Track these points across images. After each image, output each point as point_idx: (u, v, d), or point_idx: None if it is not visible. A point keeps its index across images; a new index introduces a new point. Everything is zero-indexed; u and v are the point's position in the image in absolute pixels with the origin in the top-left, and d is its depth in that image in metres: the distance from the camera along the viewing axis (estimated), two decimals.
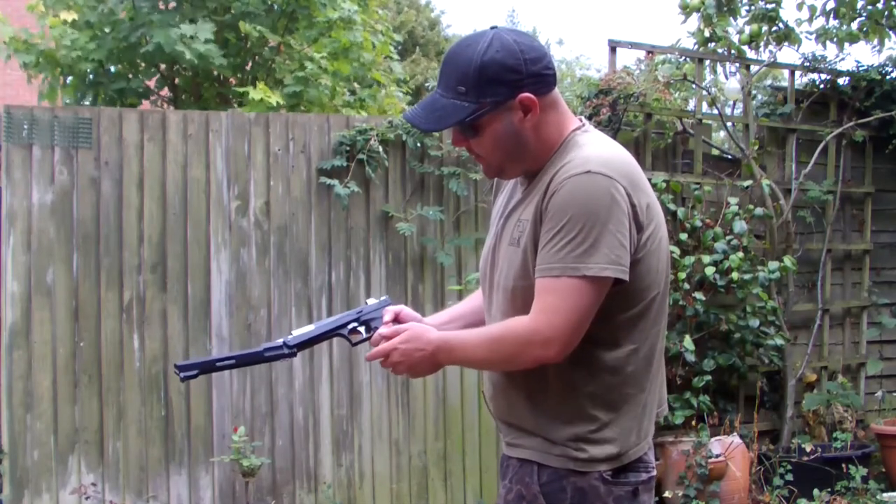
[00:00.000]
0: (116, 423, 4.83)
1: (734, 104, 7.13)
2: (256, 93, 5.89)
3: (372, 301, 2.32)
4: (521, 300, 2.02)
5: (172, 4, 6.52)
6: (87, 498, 4.69)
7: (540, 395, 2.02)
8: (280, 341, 2.21)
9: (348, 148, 5.22)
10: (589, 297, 1.91)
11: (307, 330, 2.25)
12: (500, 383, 2.11)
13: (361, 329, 2.29)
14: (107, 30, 6.31)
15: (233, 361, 2.21)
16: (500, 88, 1.97)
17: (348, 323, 2.28)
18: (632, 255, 1.94)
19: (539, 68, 1.99)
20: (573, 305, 1.90)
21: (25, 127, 4.74)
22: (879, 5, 6.90)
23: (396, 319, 2.29)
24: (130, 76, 6.53)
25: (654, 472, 2.09)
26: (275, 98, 5.89)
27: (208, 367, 2.21)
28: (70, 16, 6.20)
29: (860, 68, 6.69)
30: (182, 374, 2.15)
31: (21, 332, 4.70)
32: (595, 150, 1.99)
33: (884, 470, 6.08)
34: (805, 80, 6.75)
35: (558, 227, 1.91)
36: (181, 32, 5.91)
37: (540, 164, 2.05)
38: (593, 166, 1.93)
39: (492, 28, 2.03)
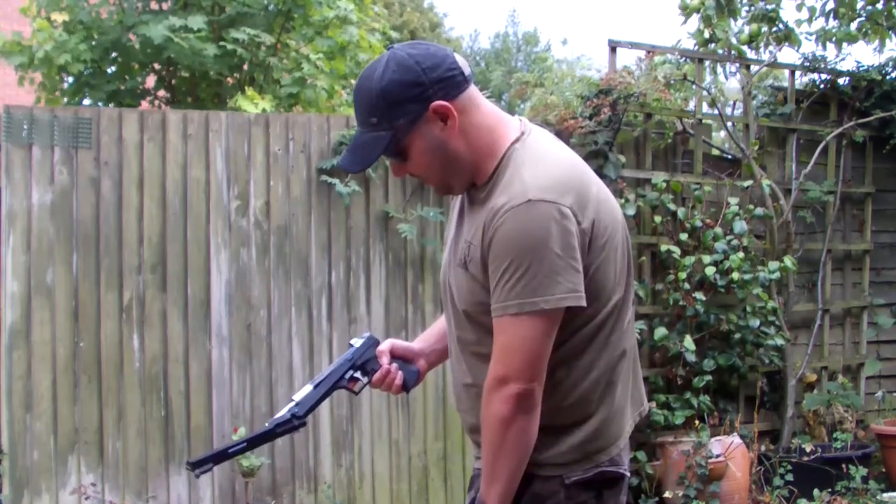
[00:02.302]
0: (116, 423, 4.82)
1: (734, 104, 7.13)
2: (244, 100, 5.87)
3: (356, 341, 2.27)
4: (474, 322, 2.00)
5: (166, 5, 6.51)
6: (86, 498, 4.69)
7: None
8: (287, 413, 2.17)
9: None
10: (545, 328, 1.89)
11: (308, 391, 2.20)
12: (466, 398, 2.09)
13: (359, 375, 2.25)
14: (97, 32, 6.30)
15: (244, 445, 2.17)
16: (409, 106, 1.92)
17: (346, 373, 2.24)
18: (585, 275, 1.91)
19: (440, 73, 1.94)
20: (530, 341, 1.88)
21: (25, 127, 4.74)
22: (879, 6, 6.90)
23: (393, 356, 2.27)
24: (126, 77, 6.52)
25: (626, 473, 2.06)
26: (263, 104, 5.86)
27: (221, 457, 2.19)
28: (62, 17, 6.20)
29: (860, 68, 6.69)
30: (197, 471, 2.12)
31: (21, 332, 4.70)
32: (534, 171, 1.92)
33: (884, 470, 6.08)
34: (805, 80, 6.76)
35: (506, 264, 1.87)
36: (170, 24, 5.90)
37: (484, 174, 1.99)
38: (533, 193, 1.87)
39: (388, 48, 1.99)
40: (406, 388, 2.27)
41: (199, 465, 2.12)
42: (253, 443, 2.20)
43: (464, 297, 2.01)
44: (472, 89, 2.00)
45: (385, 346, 2.27)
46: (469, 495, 2.10)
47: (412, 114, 1.93)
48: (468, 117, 1.97)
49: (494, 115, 2.02)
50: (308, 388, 2.21)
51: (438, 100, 1.93)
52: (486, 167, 1.99)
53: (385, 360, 2.24)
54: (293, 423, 2.16)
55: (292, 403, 2.18)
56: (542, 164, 1.95)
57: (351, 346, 2.27)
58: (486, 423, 1.93)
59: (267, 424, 2.17)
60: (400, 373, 2.25)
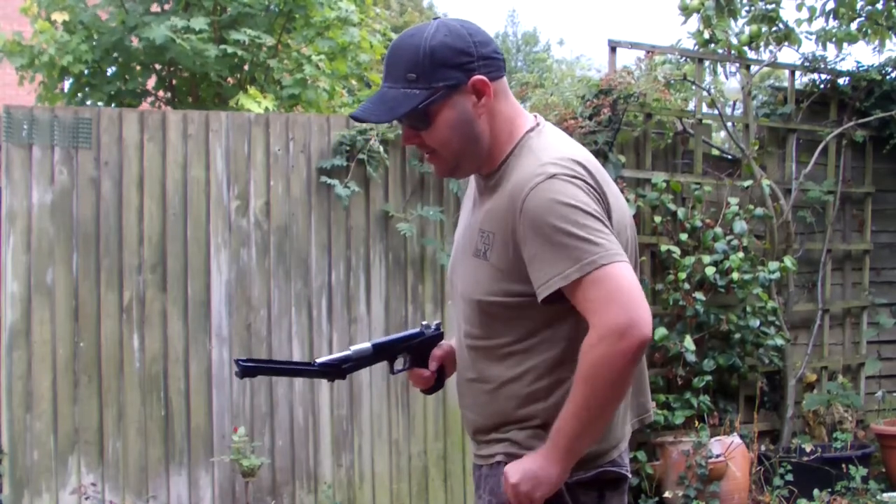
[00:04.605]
0: (116, 423, 4.82)
1: (734, 104, 7.13)
2: (247, 99, 5.88)
3: (427, 328, 2.24)
4: (485, 314, 1.97)
5: (167, 6, 6.51)
6: (86, 498, 4.69)
7: (507, 401, 1.99)
8: (337, 360, 2.14)
9: (348, 148, 5.22)
10: (624, 276, 1.82)
11: (365, 348, 2.17)
12: (469, 394, 2.07)
13: (407, 359, 2.24)
14: (98, 33, 6.30)
15: (290, 368, 2.28)
16: (453, 72, 1.92)
17: (401, 352, 2.22)
18: None
19: (488, 51, 1.96)
20: (617, 287, 1.81)
21: (25, 127, 4.74)
22: (879, 6, 6.90)
23: (440, 362, 2.25)
24: (127, 77, 6.53)
25: (627, 474, 2.05)
26: (265, 103, 5.86)
27: (269, 370, 2.24)
28: (62, 16, 6.20)
29: (860, 68, 6.69)
30: (243, 375, 2.09)
31: (21, 332, 4.70)
32: (552, 153, 1.93)
33: (884, 470, 6.08)
34: (805, 80, 6.76)
35: (549, 236, 1.84)
36: (172, 24, 5.90)
37: (494, 163, 2.00)
38: (556, 169, 1.88)
39: (435, 19, 2.00)
40: (430, 392, 2.29)
41: (247, 371, 2.08)
42: (296, 371, 2.33)
43: (480, 286, 1.97)
44: (505, 81, 2.02)
45: (442, 350, 2.23)
46: (477, 495, 2.07)
47: (453, 80, 1.92)
48: (497, 103, 1.98)
49: (517, 108, 2.04)
50: (367, 345, 2.19)
51: (480, 75, 1.94)
52: (498, 155, 2.00)
53: (433, 367, 2.23)
54: (335, 373, 2.14)
55: (348, 352, 2.16)
56: (559, 149, 1.96)
57: (423, 325, 2.24)
58: (595, 378, 1.81)
59: (315, 361, 2.16)
60: (434, 381, 2.26)
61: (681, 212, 5.85)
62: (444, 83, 1.92)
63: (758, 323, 5.82)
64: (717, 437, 5.49)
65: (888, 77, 6.67)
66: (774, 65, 6.71)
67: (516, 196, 1.89)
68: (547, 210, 1.84)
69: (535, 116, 2.07)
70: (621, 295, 1.81)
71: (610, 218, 1.92)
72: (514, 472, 1.93)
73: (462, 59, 1.92)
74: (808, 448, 5.72)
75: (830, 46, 6.85)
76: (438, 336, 2.25)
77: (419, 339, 2.23)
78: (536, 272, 1.87)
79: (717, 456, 5.33)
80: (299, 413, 5.14)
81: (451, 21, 1.97)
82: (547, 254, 1.85)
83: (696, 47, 6.52)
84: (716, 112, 6.23)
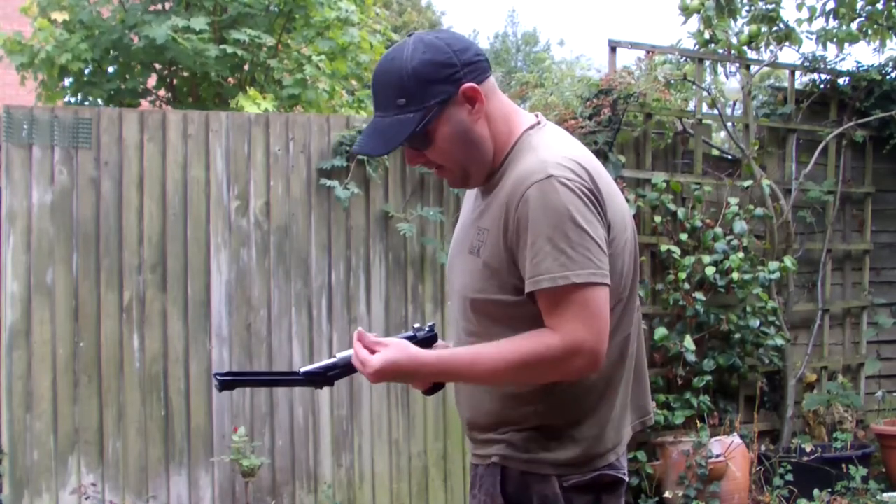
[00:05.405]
0: (116, 423, 4.83)
1: (734, 104, 7.13)
2: (247, 100, 5.88)
3: (420, 331, 2.18)
4: (480, 312, 1.96)
5: (168, 5, 6.51)
6: (86, 498, 4.69)
7: (501, 402, 1.98)
8: (321, 368, 2.11)
9: (348, 148, 5.22)
10: (596, 300, 1.84)
11: (350, 356, 2.13)
12: (463, 389, 2.07)
13: None
14: (98, 31, 6.30)
15: (272, 379, 2.20)
16: (441, 87, 1.89)
17: None
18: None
19: (470, 57, 1.93)
20: (585, 310, 1.82)
21: (25, 127, 4.74)
22: (879, 6, 6.90)
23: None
24: (127, 76, 6.53)
25: (625, 478, 2.03)
26: (265, 105, 5.86)
27: (249, 382, 2.18)
28: (62, 16, 6.20)
29: (860, 68, 6.69)
30: (222, 388, 2.07)
31: (21, 332, 4.70)
32: (552, 151, 1.91)
33: (884, 470, 6.08)
34: (805, 80, 6.76)
35: (535, 238, 1.83)
36: (173, 24, 5.90)
37: (495, 163, 1.98)
38: (555, 169, 1.85)
39: (409, 35, 1.97)
40: (429, 393, 2.27)
41: (225, 385, 2.07)
42: (281, 381, 2.28)
43: (474, 284, 1.96)
44: (493, 79, 2.00)
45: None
46: (472, 494, 2.08)
47: (443, 95, 1.90)
48: (490, 104, 1.96)
49: (511, 105, 2.02)
50: (352, 353, 2.15)
51: (468, 82, 1.91)
52: (498, 155, 1.98)
53: None
54: (321, 380, 2.11)
55: (334, 359, 2.13)
56: (559, 148, 1.94)
57: (415, 328, 2.21)
58: (531, 369, 1.85)
59: (300, 370, 2.12)
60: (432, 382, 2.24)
61: (681, 212, 5.86)
62: (434, 100, 1.90)
63: (758, 323, 5.82)
64: (717, 437, 5.49)
65: (888, 77, 6.67)
66: (774, 65, 6.71)
67: (513, 193, 1.88)
68: (538, 212, 1.83)
69: (537, 115, 2.05)
70: (589, 319, 1.83)
71: (606, 224, 1.90)
72: (387, 359, 1.92)
73: (447, 72, 1.90)
74: (808, 448, 5.72)
75: (831, 46, 6.85)
76: (432, 338, 2.21)
77: (411, 342, 2.22)
78: (526, 267, 1.87)
79: (717, 456, 5.33)
80: (299, 413, 5.14)
81: (426, 35, 1.94)
82: (526, 253, 1.85)
83: (696, 47, 6.52)
84: (716, 112, 6.23)
